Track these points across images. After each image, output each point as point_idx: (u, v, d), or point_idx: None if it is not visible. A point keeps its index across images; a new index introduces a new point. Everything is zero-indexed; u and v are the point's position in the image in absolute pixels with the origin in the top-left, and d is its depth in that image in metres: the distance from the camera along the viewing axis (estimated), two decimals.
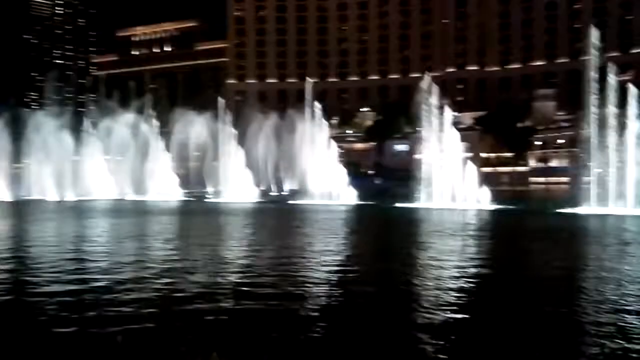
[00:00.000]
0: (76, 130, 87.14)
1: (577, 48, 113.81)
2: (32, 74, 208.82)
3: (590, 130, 46.58)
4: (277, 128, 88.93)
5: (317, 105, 75.44)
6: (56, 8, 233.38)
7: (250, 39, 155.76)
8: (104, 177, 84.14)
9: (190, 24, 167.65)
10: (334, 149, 74.51)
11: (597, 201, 46.35)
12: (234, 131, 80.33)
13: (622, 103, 46.28)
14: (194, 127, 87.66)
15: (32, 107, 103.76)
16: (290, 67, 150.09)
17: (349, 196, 72.43)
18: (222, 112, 79.96)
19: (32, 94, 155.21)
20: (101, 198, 78.99)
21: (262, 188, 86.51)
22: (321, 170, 74.12)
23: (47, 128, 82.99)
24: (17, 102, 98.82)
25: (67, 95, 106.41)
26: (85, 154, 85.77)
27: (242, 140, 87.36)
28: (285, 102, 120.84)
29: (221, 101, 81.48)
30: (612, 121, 45.40)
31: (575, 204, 47.73)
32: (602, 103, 46.26)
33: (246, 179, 79.73)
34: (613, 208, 45.80)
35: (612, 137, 45.51)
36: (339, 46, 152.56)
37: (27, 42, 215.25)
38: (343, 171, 74.46)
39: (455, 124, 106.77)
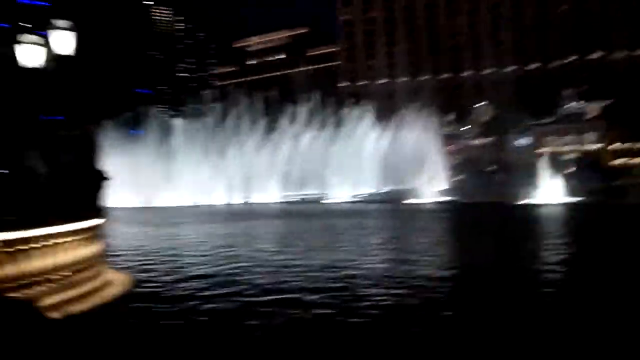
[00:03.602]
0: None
1: None
2: (160, 87, 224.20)
3: None
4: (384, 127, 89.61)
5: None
6: (176, 24, 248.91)
7: (359, 40, 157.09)
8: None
9: (302, 31, 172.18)
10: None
11: None
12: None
13: None
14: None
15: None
16: (401, 66, 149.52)
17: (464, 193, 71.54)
18: None
19: (161, 106, 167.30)
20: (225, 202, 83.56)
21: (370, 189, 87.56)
22: (432, 169, 73.90)
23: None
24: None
25: (194, 106, 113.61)
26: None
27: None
28: (395, 101, 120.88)
29: None
30: None
31: None
32: None
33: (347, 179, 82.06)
34: None
35: None
36: (451, 41, 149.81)
37: (152, 58, 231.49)
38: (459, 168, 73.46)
39: (580, 114, 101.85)
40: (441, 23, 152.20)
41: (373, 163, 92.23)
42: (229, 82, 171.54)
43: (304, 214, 56.95)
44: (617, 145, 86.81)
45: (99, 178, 15.97)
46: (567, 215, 48.89)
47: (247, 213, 63.05)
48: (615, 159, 75.86)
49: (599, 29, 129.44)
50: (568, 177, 67.35)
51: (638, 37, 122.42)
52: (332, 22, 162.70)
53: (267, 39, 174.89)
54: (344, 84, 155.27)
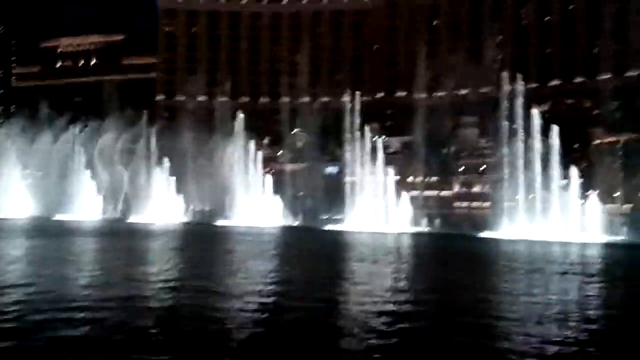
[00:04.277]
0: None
1: (500, 78, 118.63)
2: None
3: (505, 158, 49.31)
4: (202, 147, 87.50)
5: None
6: None
7: (181, 55, 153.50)
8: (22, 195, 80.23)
9: (118, 37, 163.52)
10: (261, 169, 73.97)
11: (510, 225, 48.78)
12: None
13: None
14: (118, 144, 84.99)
15: None
16: (221, 86, 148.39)
17: (276, 218, 71.79)
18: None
19: None
20: (18, 217, 74.95)
21: (190, 208, 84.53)
22: (246, 192, 73.33)
23: None
24: None
25: None
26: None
27: (169, 158, 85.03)
28: (214, 121, 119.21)
29: None
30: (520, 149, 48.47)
31: (492, 228, 49.65)
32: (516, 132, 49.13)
33: (170, 200, 77.90)
34: (523, 233, 47.98)
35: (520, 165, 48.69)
36: (271, 66, 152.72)
37: None
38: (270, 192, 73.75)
39: (384, 148, 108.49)
40: (263, 48, 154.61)
41: (189, 183, 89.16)
42: (30, 84, 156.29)
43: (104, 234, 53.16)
44: (412, 179, 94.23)
45: None
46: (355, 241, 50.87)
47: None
48: (410, 190, 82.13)
49: (404, 70, 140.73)
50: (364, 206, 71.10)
51: (437, 82, 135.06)
52: (154, 33, 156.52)
53: (79, 41, 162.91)
54: (160, 98, 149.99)
